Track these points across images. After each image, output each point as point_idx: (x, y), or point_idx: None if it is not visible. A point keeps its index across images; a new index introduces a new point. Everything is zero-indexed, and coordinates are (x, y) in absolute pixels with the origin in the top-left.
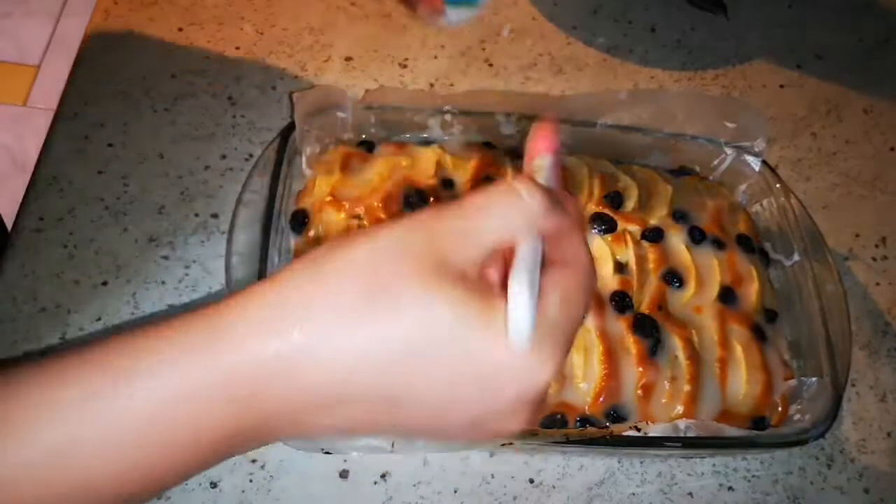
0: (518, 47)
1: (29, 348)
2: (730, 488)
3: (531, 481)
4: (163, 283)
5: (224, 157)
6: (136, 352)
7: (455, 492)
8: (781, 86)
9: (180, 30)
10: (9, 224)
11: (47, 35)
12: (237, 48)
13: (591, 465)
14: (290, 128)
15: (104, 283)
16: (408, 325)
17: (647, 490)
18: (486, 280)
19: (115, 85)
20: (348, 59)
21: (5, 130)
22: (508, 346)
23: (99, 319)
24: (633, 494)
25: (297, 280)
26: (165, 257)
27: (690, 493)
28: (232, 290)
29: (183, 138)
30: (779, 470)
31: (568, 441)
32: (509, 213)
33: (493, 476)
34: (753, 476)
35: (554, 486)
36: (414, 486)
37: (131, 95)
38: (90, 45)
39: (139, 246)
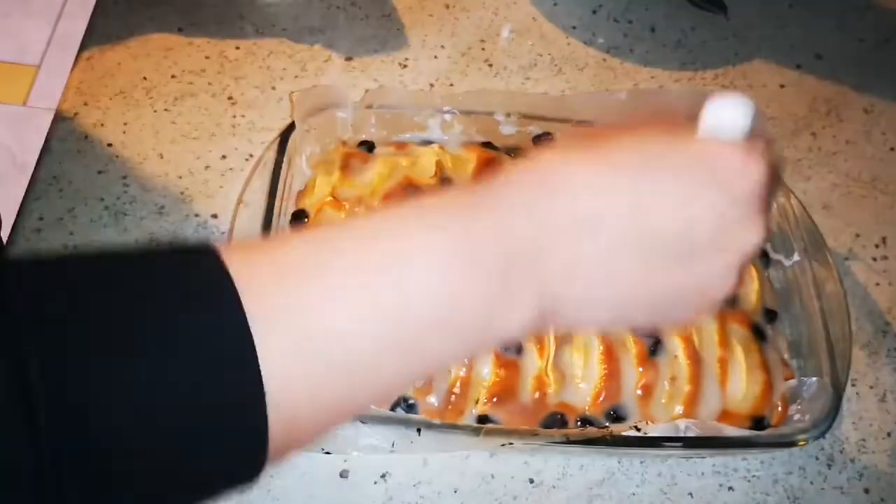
0: (518, 47)
1: None
2: (730, 488)
3: (531, 481)
4: None
5: (224, 157)
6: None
7: (455, 492)
8: (781, 86)
9: (180, 30)
10: (9, 224)
11: (47, 35)
12: (237, 48)
13: (591, 465)
14: (290, 128)
15: None
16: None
17: (647, 490)
18: None
19: (115, 85)
20: (348, 59)
21: (5, 130)
22: (729, 150)
23: None
24: (633, 494)
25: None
26: None
27: (690, 493)
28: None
29: (183, 138)
30: (779, 470)
31: (568, 441)
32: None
33: (493, 476)
34: (753, 476)
35: (554, 486)
36: (414, 486)
37: (131, 95)
38: (90, 45)
39: (139, 246)
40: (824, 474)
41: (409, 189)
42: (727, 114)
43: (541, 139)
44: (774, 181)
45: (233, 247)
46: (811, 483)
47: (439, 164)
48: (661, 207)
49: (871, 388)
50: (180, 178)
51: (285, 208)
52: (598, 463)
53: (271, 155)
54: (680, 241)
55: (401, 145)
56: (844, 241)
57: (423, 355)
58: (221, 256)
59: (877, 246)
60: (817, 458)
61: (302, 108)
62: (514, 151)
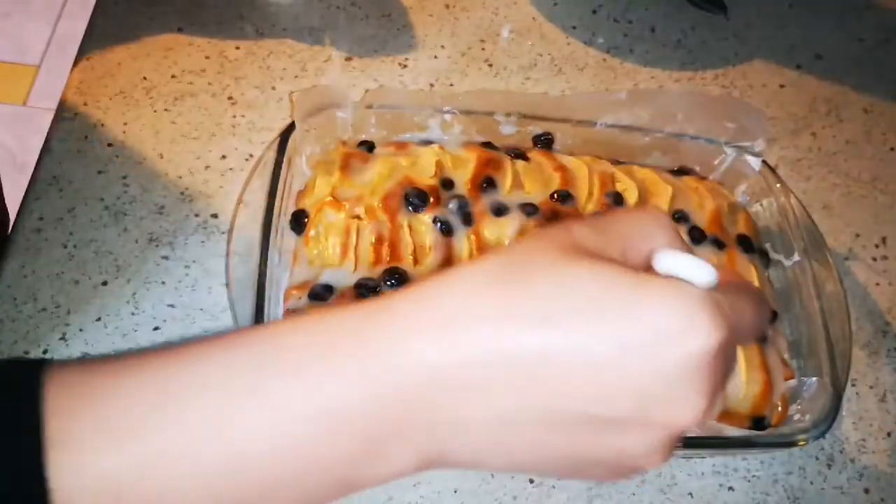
0: (518, 47)
1: (29, 348)
2: (730, 488)
3: (531, 481)
4: (163, 283)
5: (224, 157)
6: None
7: (455, 492)
8: (781, 86)
9: (180, 30)
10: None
11: (47, 35)
12: (237, 48)
13: None
14: (290, 128)
15: (104, 283)
16: (543, 296)
17: (647, 490)
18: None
19: (115, 85)
20: (348, 59)
21: (5, 130)
22: (666, 302)
23: (99, 319)
24: (633, 494)
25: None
26: (165, 257)
27: (690, 493)
28: (232, 289)
29: (183, 138)
30: (779, 470)
31: None
32: (648, 221)
33: (493, 476)
34: (753, 476)
35: (554, 486)
36: (414, 486)
37: (131, 95)
38: (90, 45)
39: (139, 246)
40: (824, 474)
41: (410, 189)
42: (680, 272)
43: (541, 139)
44: (745, 340)
45: (58, 373)
46: (811, 483)
47: (439, 164)
48: (574, 368)
49: (871, 388)
50: (180, 178)
51: (285, 208)
52: None
53: (271, 155)
54: (590, 411)
55: (401, 145)
56: (844, 241)
57: None
58: (42, 384)
59: (877, 246)
60: (817, 458)
61: (302, 108)
62: (513, 151)
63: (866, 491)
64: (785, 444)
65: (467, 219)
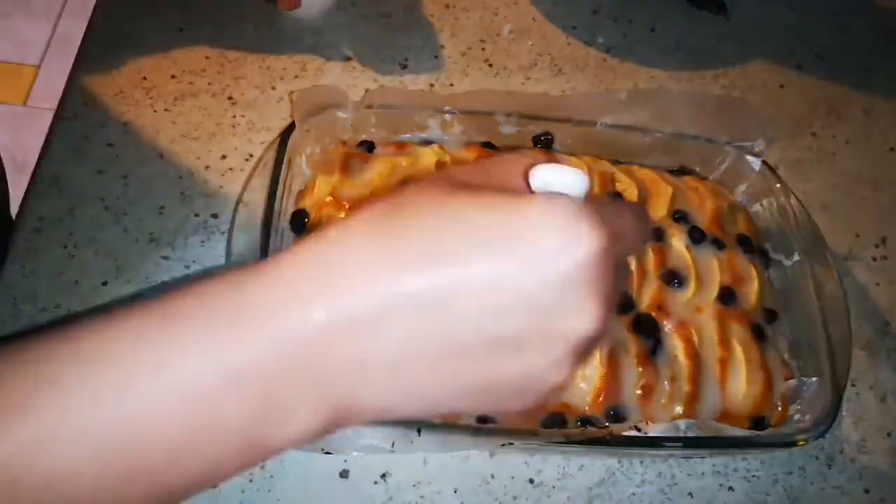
0: (518, 47)
1: None
2: (730, 488)
3: (531, 481)
4: (163, 283)
5: (224, 157)
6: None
7: (455, 492)
8: (781, 86)
9: (180, 30)
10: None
11: (47, 35)
12: (237, 48)
13: (591, 465)
14: (290, 128)
15: (104, 283)
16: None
17: (647, 490)
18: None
19: (115, 85)
20: (348, 59)
21: (5, 130)
22: (545, 216)
23: None
24: (633, 494)
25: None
26: (165, 257)
27: (690, 493)
28: None
29: (183, 138)
30: (779, 470)
31: (568, 441)
32: (524, 155)
33: (493, 476)
34: (753, 476)
35: (554, 486)
36: (414, 486)
37: (131, 95)
38: (90, 45)
39: (139, 246)
40: (824, 474)
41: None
42: (554, 183)
43: (541, 139)
44: (628, 251)
45: None
46: (811, 483)
47: (439, 164)
48: (459, 296)
49: (871, 388)
50: (180, 178)
51: (285, 208)
52: (597, 463)
53: (271, 155)
54: (484, 333)
55: (401, 145)
56: (844, 241)
57: (166, 483)
58: None
59: (877, 246)
60: (817, 458)
61: (302, 108)
62: (513, 151)
63: (866, 491)
64: (785, 444)
65: None
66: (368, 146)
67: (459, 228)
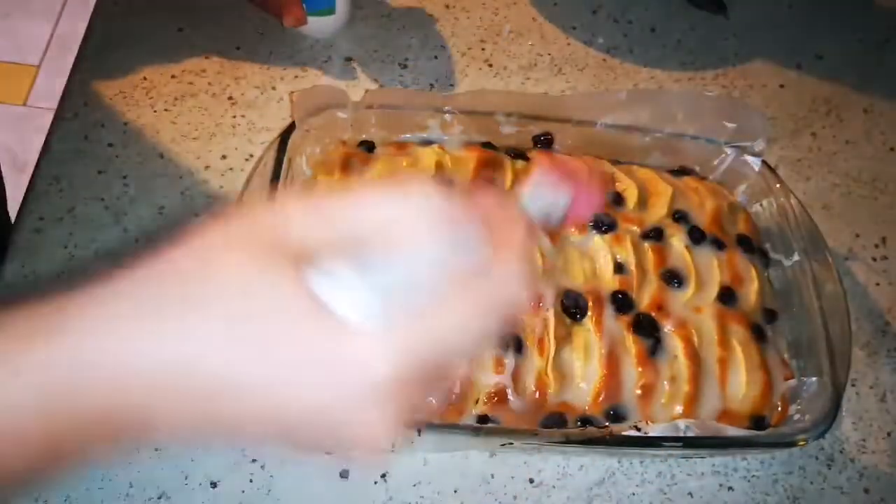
0: (518, 47)
1: None
2: (730, 488)
3: (531, 481)
4: None
5: (224, 157)
6: None
7: (455, 492)
8: (781, 86)
9: (180, 30)
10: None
11: (47, 35)
12: (237, 48)
13: (591, 465)
14: (290, 128)
15: None
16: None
17: (647, 490)
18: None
19: (115, 85)
20: (348, 59)
21: (5, 130)
22: (341, 321)
23: None
24: (633, 494)
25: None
26: None
27: (690, 493)
28: None
29: (183, 138)
30: (779, 470)
31: (568, 441)
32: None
33: (493, 476)
34: (753, 476)
35: (554, 486)
36: (414, 486)
37: (131, 95)
38: (90, 45)
39: (139, 246)
40: (824, 474)
41: None
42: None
43: (541, 139)
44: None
45: None
46: (811, 483)
47: (439, 164)
48: (239, 395)
49: (871, 388)
50: (180, 178)
51: None
52: (597, 463)
53: (271, 155)
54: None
55: (401, 145)
56: (844, 241)
57: None
58: None
59: (877, 246)
60: (817, 458)
61: (302, 108)
62: (513, 151)
63: (866, 491)
64: (785, 444)
65: None
66: (368, 146)
67: (258, 327)
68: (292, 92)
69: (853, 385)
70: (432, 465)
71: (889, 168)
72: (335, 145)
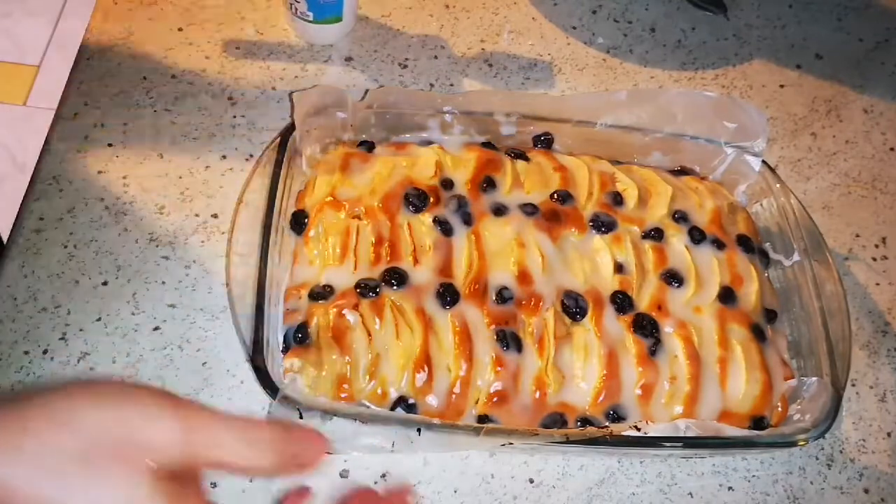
0: (518, 47)
1: (29, 348)
2: (730, 488)
3: (531, 481)
4: (163, 283)
5: (224, 157)
6: None
7: (455, 492)
8: (781, 86)
9: (180, 30)
10: (9, 224)
11: (47, 35)
12: (237, 48)
13: (591, 465)
14: (290, 128)
15: (104, 283)
16: None
17: (647, 490)
18: None
19: (115, 85)
20: (348, 59)
21: (5, 130)
22: None
23: (99, 319)
24: (633, 494)
25: None
26: (165, 257)
27: (690, 493)
28: (231, 289)
29: (183, 138)
30: (779, 470)
31: (568, 441)
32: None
33: (493, 476)
34: (753, 476)
35: (554, 486)
36: (414, 486)
37: (131, 95)
38: (90, 45)
39: (139, 246)
40: (824, 474)
41: (410, 189)
42: None
43: (541, 139)
44: None
45: None
46: (811, 483)
47: (439, 164)
48: None
49: (871, 388)
50: (180, 178)
51: (285, 208)
52: (597, 463)
53: (271, 155)
54: None
55: (401, 145)
56: (844, 241)
57: None
58: None
59: (877, 246)
60: (817, 458)
61: (302, 108)
62: (514, 151)
63: (866, 491)
64: (785, 444)
65: (467, 219)
66: (368, 146)
67: None
68: (292, 92)
69: (853, 385)
70: (432, 465)
71: (889, 168)
72: (335, 145)
